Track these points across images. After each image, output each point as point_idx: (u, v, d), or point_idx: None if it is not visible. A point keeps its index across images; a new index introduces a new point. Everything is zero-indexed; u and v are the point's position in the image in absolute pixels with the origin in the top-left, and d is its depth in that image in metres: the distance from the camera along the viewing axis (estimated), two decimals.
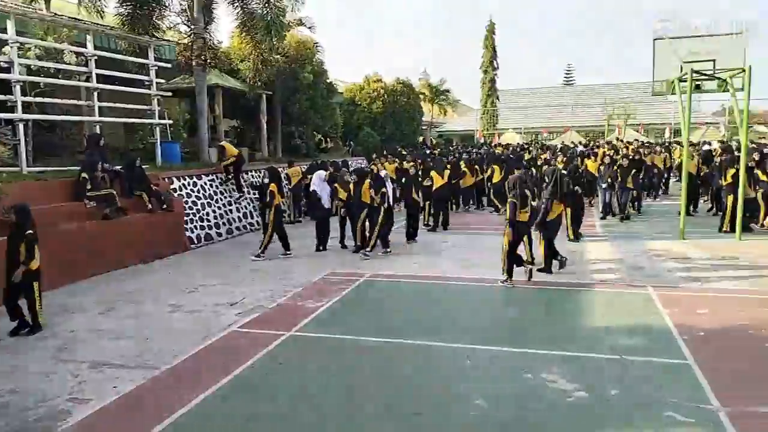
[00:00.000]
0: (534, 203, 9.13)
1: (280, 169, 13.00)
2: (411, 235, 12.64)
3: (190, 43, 16.63)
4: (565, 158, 17.57)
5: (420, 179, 13.69)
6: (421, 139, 38.64)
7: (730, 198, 12.59)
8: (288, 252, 11.55)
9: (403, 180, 13.29)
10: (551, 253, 9.57)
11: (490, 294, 8.68)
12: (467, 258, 10.81)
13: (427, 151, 24.33)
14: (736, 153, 14.88)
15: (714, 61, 13.14)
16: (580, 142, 31.60)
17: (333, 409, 5.00)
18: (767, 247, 11.17)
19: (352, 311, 7.95)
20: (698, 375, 5.41)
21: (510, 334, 6.85)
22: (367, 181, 11.33)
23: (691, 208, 15.44)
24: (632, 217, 15.27)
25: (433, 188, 13.91)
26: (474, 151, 24.22)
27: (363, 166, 19.33)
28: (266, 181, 11.53)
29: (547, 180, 9.86)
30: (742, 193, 12.03)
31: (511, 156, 20.55)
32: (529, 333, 6.81)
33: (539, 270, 9.44)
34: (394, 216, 12.13)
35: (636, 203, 16.11)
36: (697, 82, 13.15)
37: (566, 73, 78.07)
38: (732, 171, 12.68)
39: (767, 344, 6.17)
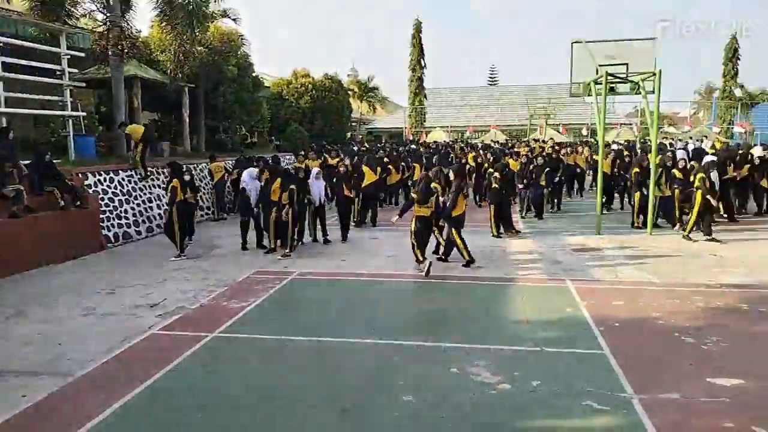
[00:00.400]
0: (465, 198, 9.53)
1: (193, 166, 12.58)
2: (343, 233, 12.57)
3: (105, 32, 15.84)
4: (493, 157, 17.98)
5: (351, 176, 13.62)
6: (349, 135, 38.60)
7: (637, 195, 13.33)
8: (181, 254, 10.96)
9: (334, 178, 13.19)
10: (463, 246, 9.87)
11: (417, 289, 8.78)
12: (395, 254, 10.89)
13: (355, 148, 24.29)
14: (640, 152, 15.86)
15: (627, 64, 13.85)
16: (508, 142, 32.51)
17: (258, 411, 4.89)
18: (675, 241, 11.89)
19: (279, 310, 7.81)
20: (613, 364, 5.67)
21: (437, 328, 6.93)
22: (278, 179, 10.91)
23: (606, 206, 16.18)
24: (551, 215, 15.85)
25: (363, 184, 13.90)
26: (400, 149, 24.42)
27: (291, 162, 19.07)
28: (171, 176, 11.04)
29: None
30: (652, 191, 12.77)
31: (435, 154, 20.79)
32: (455, 327, 6.92)
33: (464, 265, 9.74)
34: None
35: (554, 201, 16.64)
36: (612, 85, 13.83)
37: (490, 74, 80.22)
38: (636, 169, 13.40)
39: (676, 333, 6.55)
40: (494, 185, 12.67)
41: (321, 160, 17.12)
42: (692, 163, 13.52)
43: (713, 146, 21.82)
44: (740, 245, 11.29)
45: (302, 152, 18.58)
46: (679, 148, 17.68)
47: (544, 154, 17.50)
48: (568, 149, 20.14)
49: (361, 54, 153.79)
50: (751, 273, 9.19)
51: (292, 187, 10.87)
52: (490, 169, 13.00)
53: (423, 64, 45.17)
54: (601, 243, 11.82)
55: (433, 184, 9.64)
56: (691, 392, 5.06)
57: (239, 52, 22.46)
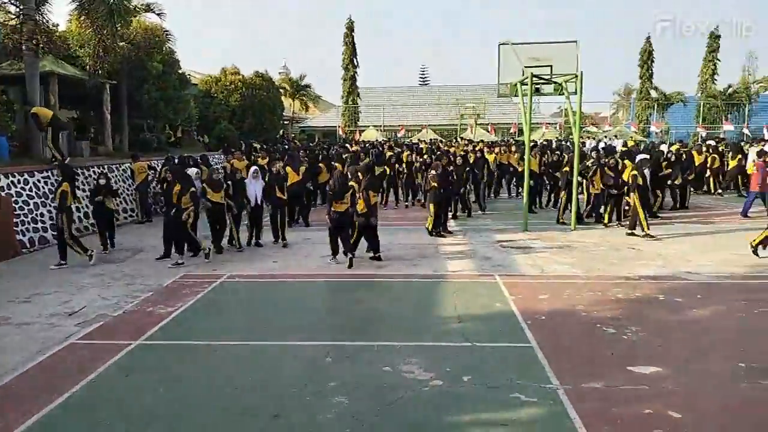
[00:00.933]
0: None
1: (115, 166, 11.96)
2: (274, 234, 12.31)
3: (19, 25, 14.88)
4: (434, 156, 18.02)
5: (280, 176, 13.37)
6: (281, 132, 38.07)
7: (563, 193, 13.87)
8: (63, 262, 10.22)
9: (266, 178, 12.90)
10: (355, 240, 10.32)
11: (349, 289, 8.76)
12: (328, 254, 10.80)
13: (285, 146, 24.00)
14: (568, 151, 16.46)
15: (551, 66, 14.32)
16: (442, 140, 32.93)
17: (186, 421, 4.73)
18: (597, 235, 12.43)
19: (207, 315, 7.58)
20: (540, 356, 5.85)
21: (369, 327, 6.93)
22: (178, 183, 10.38)
23: (537, 203, 16.68)
24: (481, 213, 16.15)
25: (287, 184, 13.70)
26: (334, 147, 24.35)
27: (220, 162, 18.59)
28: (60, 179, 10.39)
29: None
30: (575, 189, 13.31)
31: (363, 154, 20.68)
32: (388, 326, 6.96)
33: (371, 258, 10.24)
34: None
35: (479, 200, 16.74)
36: (537, 86, 14.28)
37: (421, 74, 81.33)
38: (565, 168, 13.96)
39: (598, 324, 6.84)
40: (433, 184, 12.70)
41: (249, 160, 16.76)
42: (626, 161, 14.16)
43: (625, 144, 23.04)
44: (661, 240, 11.91)
45: (232, 150, 18.17)
46: (593, 147, 18.50)
47: (463, 153, 17.69)
48: (502, 148, 20.54)
49: (293, 52, 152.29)
50: (666, 265, 9.72)
51: (193, 189, 10.43)
52: (431, 170, 13.05)
53: (356, 63, 45.17)
54: (529, 239, 12.19)
55: (350, 183, 10.07)
56: (612, 381, 5.29)
57: (164, 48, 21.65)
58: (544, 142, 24.26)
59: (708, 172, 19.79)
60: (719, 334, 6.60)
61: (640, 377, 5.40)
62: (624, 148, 19.17)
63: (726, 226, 13.37)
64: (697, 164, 18.64)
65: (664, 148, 16.32)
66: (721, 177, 20.14)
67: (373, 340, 6.39)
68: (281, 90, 39.37)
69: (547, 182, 17.04)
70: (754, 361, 5.70)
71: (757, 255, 10.07)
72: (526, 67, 14.12)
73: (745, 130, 33.35)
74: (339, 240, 10.13)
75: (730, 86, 42.31)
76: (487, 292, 8.25)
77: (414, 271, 9.50)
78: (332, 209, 9.95)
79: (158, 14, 20.88)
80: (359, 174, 10.67)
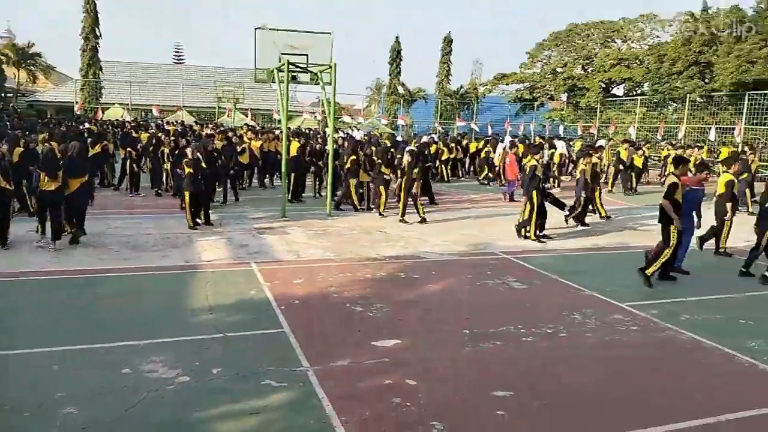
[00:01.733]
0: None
1: None
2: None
3: None
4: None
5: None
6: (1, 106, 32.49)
7: (352, 181, 14.27)
8: None
9: None
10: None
11: (83, 286, 7.80)
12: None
13: (7, 125, 20.56)
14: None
15: (307, 55, 14.57)
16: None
17: None
18: (353, 220, 13.08)
19: None
20: (292, 341, 5.92)
21: (108, 328, 6.23)
22: None
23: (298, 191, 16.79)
24: (241, 200, 15.83)
25: None
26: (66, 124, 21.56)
27: None
28: None
29: None
30: (330, 177, 13.84)
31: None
32: (130, 324, 6.34)
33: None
34: None
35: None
36: (293, 74, 14.41)
37: (176, 53, 76.68)
38: (353, 157, 14.23)
39: (348, 304, 7.18)
40: (188, 170, 11.80)
41: None
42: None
43: (368, 135, 24.94)
44: (405, 223, 12.98)
45: None
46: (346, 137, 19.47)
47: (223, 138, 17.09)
48: (270, 134, 20.23)
49: (21, 15, 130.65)
50: (408, 246, 10.65)
51: None
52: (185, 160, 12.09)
53: (98, 34, 40.60)
54: (286, 225, 12.30)
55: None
56: (358, 357, 5.60)
57: None
58: (308, 131, 24.73)
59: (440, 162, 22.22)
60: (449, 306, 7.44)
61: (383, 351, 5.80)
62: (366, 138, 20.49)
63: (458, 212, 15.10)
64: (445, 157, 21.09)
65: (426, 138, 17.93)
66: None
67: (112, 341, 5.78)
68: (2, 57, 33.56)
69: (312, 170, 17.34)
70: (476, 328, 6.53)
71: (524, 237, 11.39)
72: (282, 53, 14.15)
73: (474, 126, 38.24)
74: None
75: (461, 87, 48.16)
76: (242, 281, 8.09)
77: (163, 263, 8.88)
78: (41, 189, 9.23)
79: None
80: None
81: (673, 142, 25.33)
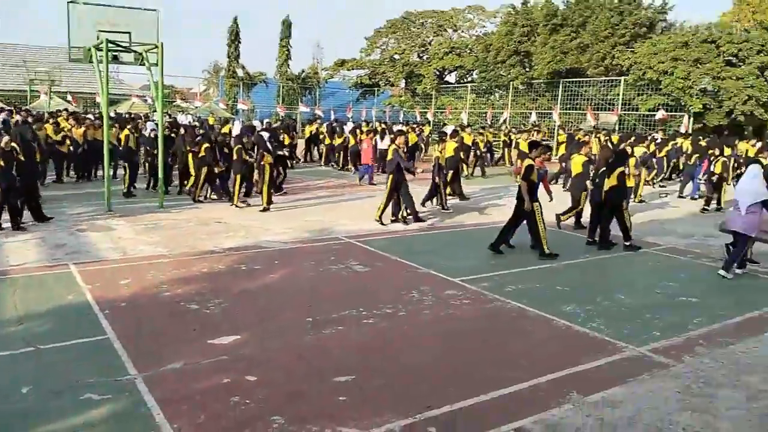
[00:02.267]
0: None
1: None
2: None
3: None
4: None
5: None
6: None
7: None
8: None
9: None
10: None
11: None
12: None
13: None
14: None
15: (130, 33, 13.40)
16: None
17: None
18: (190, 212, 12.34)
19: None
20: (117, 347, 5.41)
21: None
22: None
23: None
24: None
25: None
26: None
27: None
28: None
29: None
30: (161, 167, 12.92)
31: None
32: None
33: None
34: None
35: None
36: (115, 54, 13.19)
37: None
38: (206, 145, 13.34)
39: (182, 302, 6.73)
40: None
41: None
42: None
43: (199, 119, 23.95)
44: (247, 212, 12.55)
45: None
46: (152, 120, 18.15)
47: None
48: (93, 121, 18.23)
49: None
50: (249, 236, 10.30)
51: None
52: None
53: None
54: (113, 220, 11.29)
55: None
56: (192, 358, 5.27)
57: None
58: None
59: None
60: (292, 295, 7.31)
61: (220, 349, 5.52)
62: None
63: (304, 198, 14.95)
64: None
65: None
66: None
67: None
68: None
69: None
70: (318, 315, 6.48)
71: (383, 224, 11.47)
72: (100, 31, 12.88)
73: (318, 112, 38.06)
74: None
75: (303, 71, 47.64)
76: (57, 285, 7.24)
77: None
78: None
79: None
80: None
81: (520, 128, 27.31)
